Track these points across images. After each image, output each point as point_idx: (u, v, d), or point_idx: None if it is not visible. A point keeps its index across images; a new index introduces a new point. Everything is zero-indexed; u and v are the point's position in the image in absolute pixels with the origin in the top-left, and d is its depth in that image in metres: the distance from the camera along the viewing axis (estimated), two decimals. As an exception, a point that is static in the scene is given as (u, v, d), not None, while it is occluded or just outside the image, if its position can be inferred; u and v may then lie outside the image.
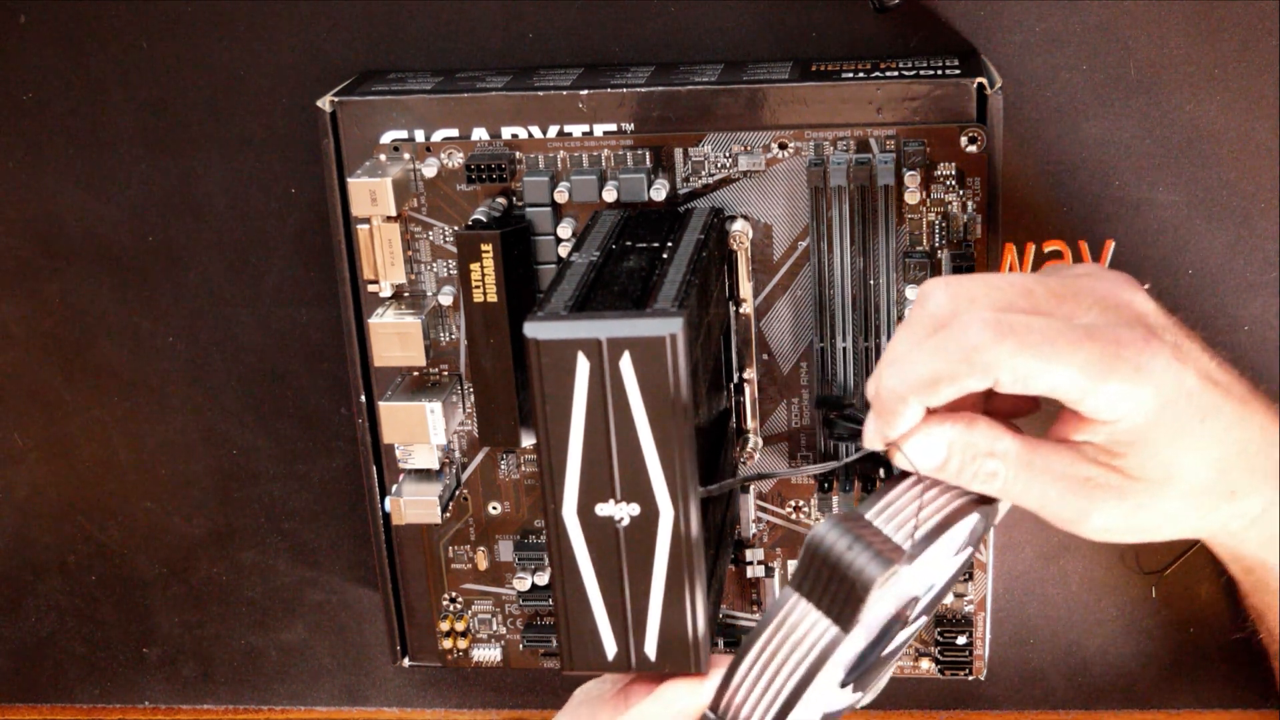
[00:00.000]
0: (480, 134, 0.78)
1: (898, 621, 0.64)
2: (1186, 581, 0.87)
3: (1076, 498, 0.61)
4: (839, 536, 0.59)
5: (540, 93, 0.77)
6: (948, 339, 0.59)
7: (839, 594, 0.58)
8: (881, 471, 0.79)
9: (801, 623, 0.60)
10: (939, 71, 0.75)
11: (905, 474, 0.62)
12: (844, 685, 0.63)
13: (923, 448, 0.61)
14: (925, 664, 0.84)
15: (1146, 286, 0.63)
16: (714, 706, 0.62)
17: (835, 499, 0.81)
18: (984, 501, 0.62)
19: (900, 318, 0.77)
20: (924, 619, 0.69)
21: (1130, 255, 0.80)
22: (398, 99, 0.78)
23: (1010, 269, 0.75)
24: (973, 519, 0.63)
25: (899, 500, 0.61)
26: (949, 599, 0.82)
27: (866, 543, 0.58)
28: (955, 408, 0.61)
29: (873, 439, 0.62)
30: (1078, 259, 0.76)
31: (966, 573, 0.81)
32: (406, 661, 0.89)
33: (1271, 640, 0.76)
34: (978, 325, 0.58)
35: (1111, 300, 0.61)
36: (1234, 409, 0.62)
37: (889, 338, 0.76)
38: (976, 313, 0.59)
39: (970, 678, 0.84)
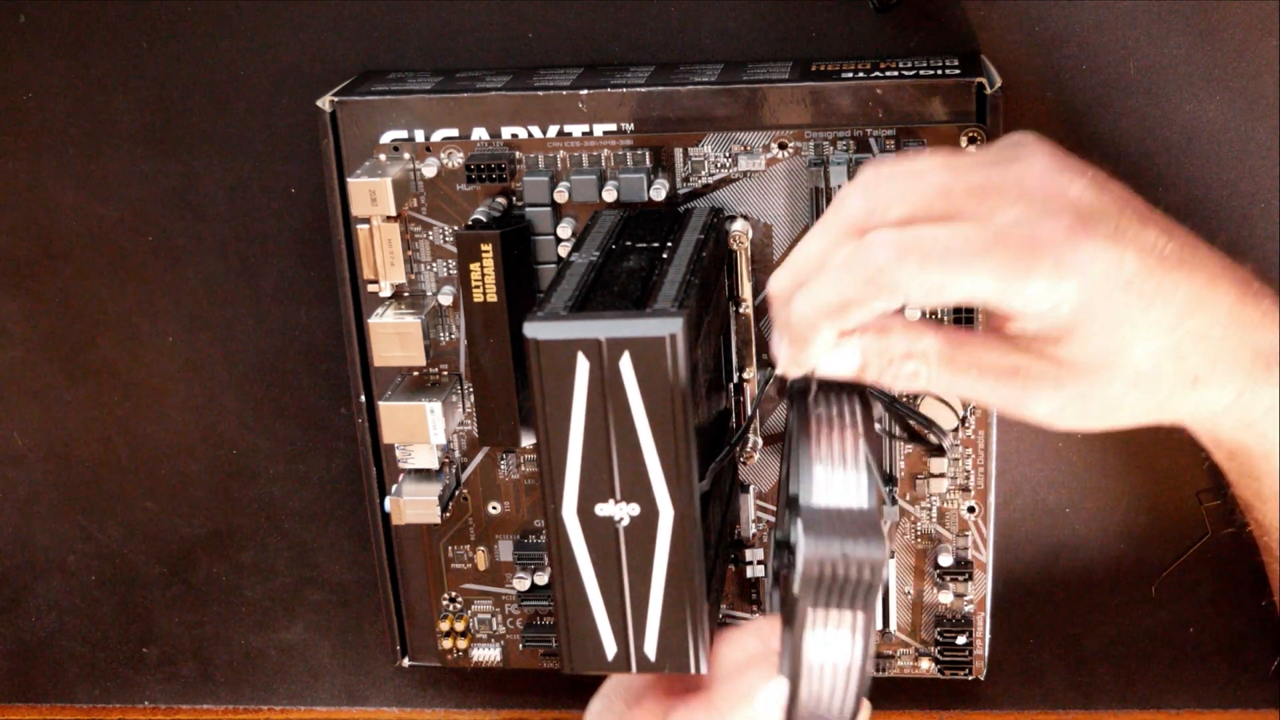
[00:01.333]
0: (480, 134, 0.78)
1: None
2: (1186, 581, 0.87)
3: (1009, 389, 0.60)
4: (825, 544, 0.57)
5: (540, 93, 0.77)
6: (853, 261, 0.58)
7: (857, 590, 0.58)
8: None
9: (831, 626, 0.59)
10: (939, 71, 0.75)
11: (796, 430, 0.61)
12: None
13: (837, 360, 0.60)
14: (925, 664, 0.84)
15: (1092, 173, 0.60)
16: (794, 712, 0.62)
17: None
18: (868, 404, 0.62)
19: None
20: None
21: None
22: (398, 99, 0.78)
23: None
24: (874, 414, 0.63)
25: (826, 466, 0.60)
26: (949, 598, 0.82)
27: (845, 533, 0.58)
28: None
29: (787, 365, 0.61)
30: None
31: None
32: (406, 661, 0.89)
33: (1261, 533, 0.74)
34: (880, 246, 0.58)
35: (1039, 191, 0.59)
36: (1192, 292, 0.59)
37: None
38: (880, 233, 0.58)
39: (970, 678, 0.84)
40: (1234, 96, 0.78)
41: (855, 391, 0.62)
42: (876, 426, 0.65)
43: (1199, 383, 0.61)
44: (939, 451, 0.74)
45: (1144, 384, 0.60)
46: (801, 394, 0.62)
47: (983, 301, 0.58)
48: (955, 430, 0.78)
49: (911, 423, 0.69)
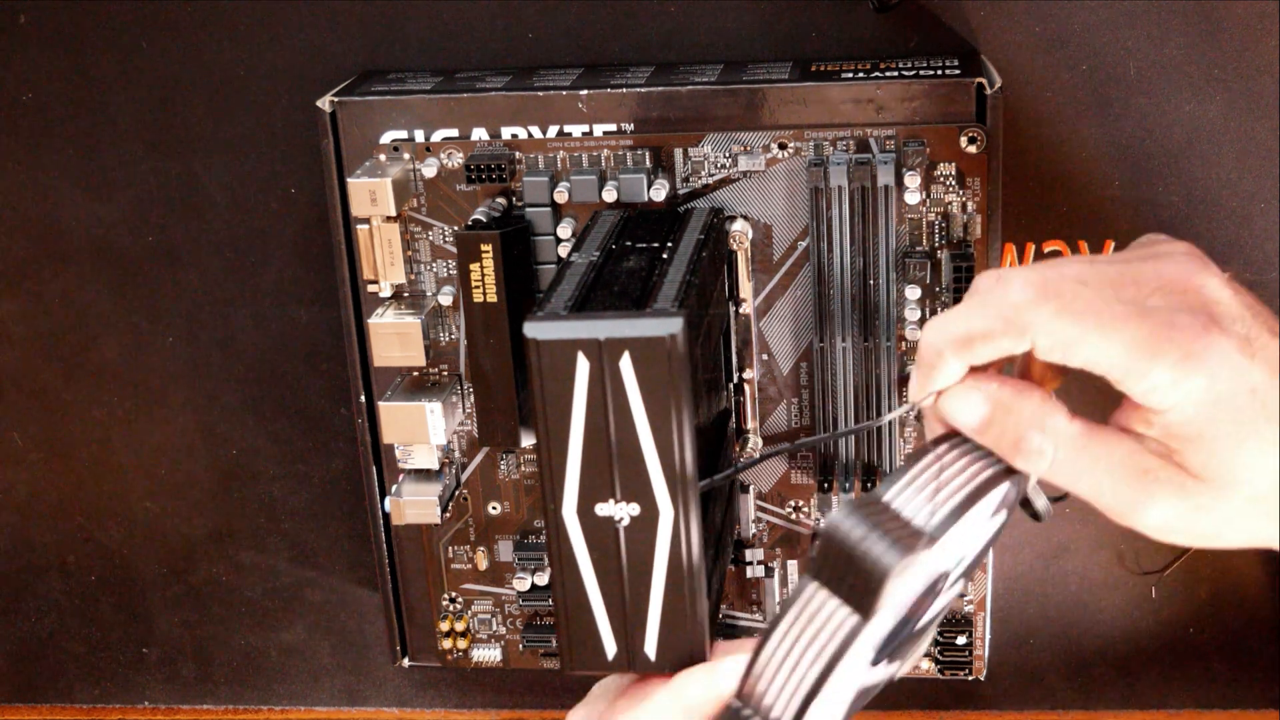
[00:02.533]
0: (480, 134, 0.78)
1: (930, 595, 0.61)
2: (1186, 581, 0.87)
3: (1132, 489, 0.57)
4: (855, 524, 0.57)
5: (540, 93, 0.77)
6: (990, 295, 0.57)
7: (856, 583, 0.57)
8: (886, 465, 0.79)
9: (821, 611, 0.58)
10: (939, 71, 0.75)
11: (925, 448, 0.60)
12: (876, 663, 0.61)
13: (965, 402, 0.59)
14: (925, 664, 0.84)
15: (1228, 275, 0.58)
16: (738, 694, 0.60)
17: (835, 499, 0.81)
18: (1013, 470, 0.59)
19: (901, 318, 0.77)
20: (962, 583, 0.66)
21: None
22: (398, 99, 0.78)
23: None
24: (1003, 488, 0.60)
25: (919, 479, 0.59)
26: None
27: (884, 530, 0.56)
28: None
29: (916, 392, 0.60)
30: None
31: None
32: (406, 661, 0.89)
33: None
34: (1020, 282, 0.56)
35: (1179, 285, 0.57)
36: None
37: (889, 338, 0.76)
38: (1025, 271, 0.57)
39: (970, 678, 0.84)
40: (1234, 96, 0.78)
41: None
42: (1000, 504, 0.62)
43: None
44: (1036, 517, 0.71)
45: (1260, 503, 0.57)
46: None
47: (1104, 372, 0.56)
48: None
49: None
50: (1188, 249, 0.59)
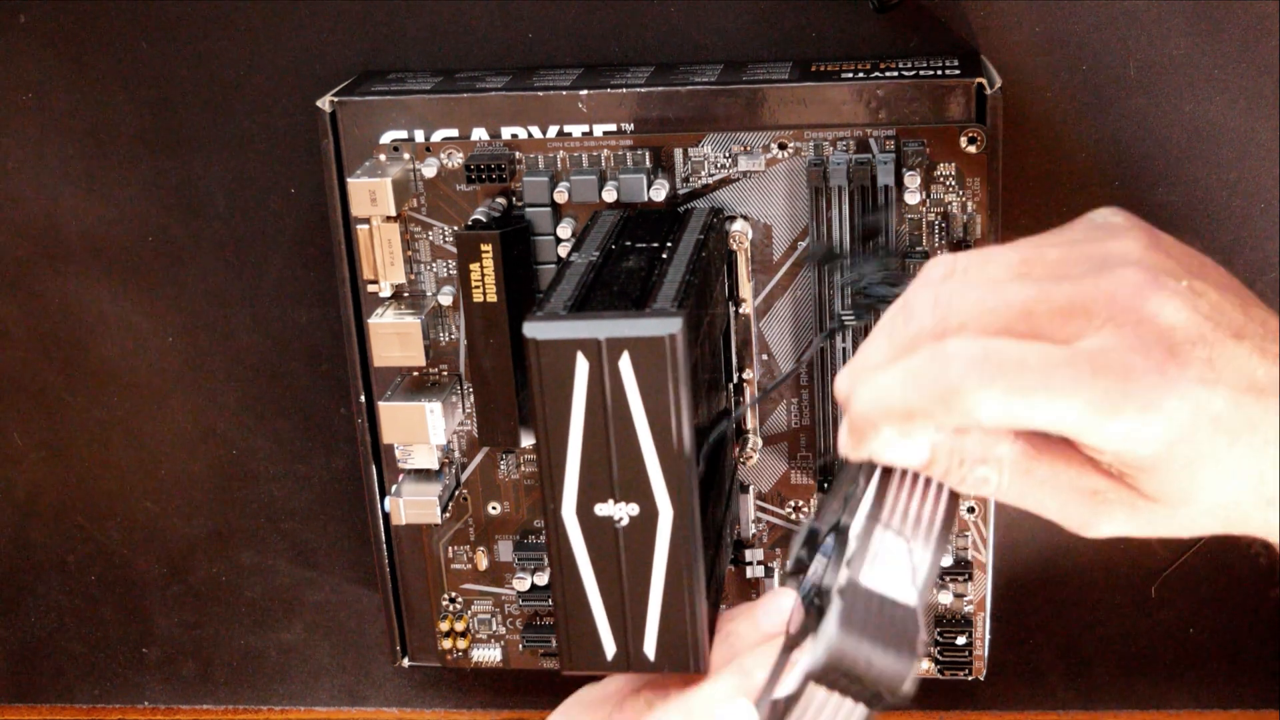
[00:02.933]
0: (480, 134, 0.78)
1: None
2: (1186, 581, 0.87)
3: (1081, 509, 0.57)
4: (855, 644, 0.55)
5: (540, 93, 0.77)
6: (927, 371, 0.54)
7: (865, 691, 0.55)
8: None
9: (826, 709, 0.57)
10: (939, 71, 0.75)
11: (875, 499, 0.58)
12: None
13: (906, 451, 0.56)
14: (925, 664, 0.84)
15: (1185, 284, 0.55)
16: None
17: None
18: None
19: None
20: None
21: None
22: (398, 99, 0.78)
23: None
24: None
25: (886, 546, 0.57)
26: (949, 599, 0.82)
27: (883, 638, 0.55)
28: None
29: (847, 451, 0.58)
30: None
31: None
32: (406, 662, 0.89)
33: None
34: (959, 361, 0.53)
35: (1131, 314, 0.54)
36: (1276, 420, 0.54)
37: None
38: (961, 343, 0.54)
39: (970, 678, 0.84)
40: (1234, 96, 0.78)
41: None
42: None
43: (1274, 503, 0.56)
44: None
45: (1219, 511, 0.56)
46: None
47: (1060, 433, 0.54)
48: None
49: None
50: (1141, 249, 0.56)
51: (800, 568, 0.61)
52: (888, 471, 0.58)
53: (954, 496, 0.58)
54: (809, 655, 0.56)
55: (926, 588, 0.56)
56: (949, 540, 0.60)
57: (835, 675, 0.55)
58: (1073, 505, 0.57)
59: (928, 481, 0.58)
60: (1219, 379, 0.53)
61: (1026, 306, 0.54)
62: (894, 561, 0.56)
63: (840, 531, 0.58)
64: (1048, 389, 0.53)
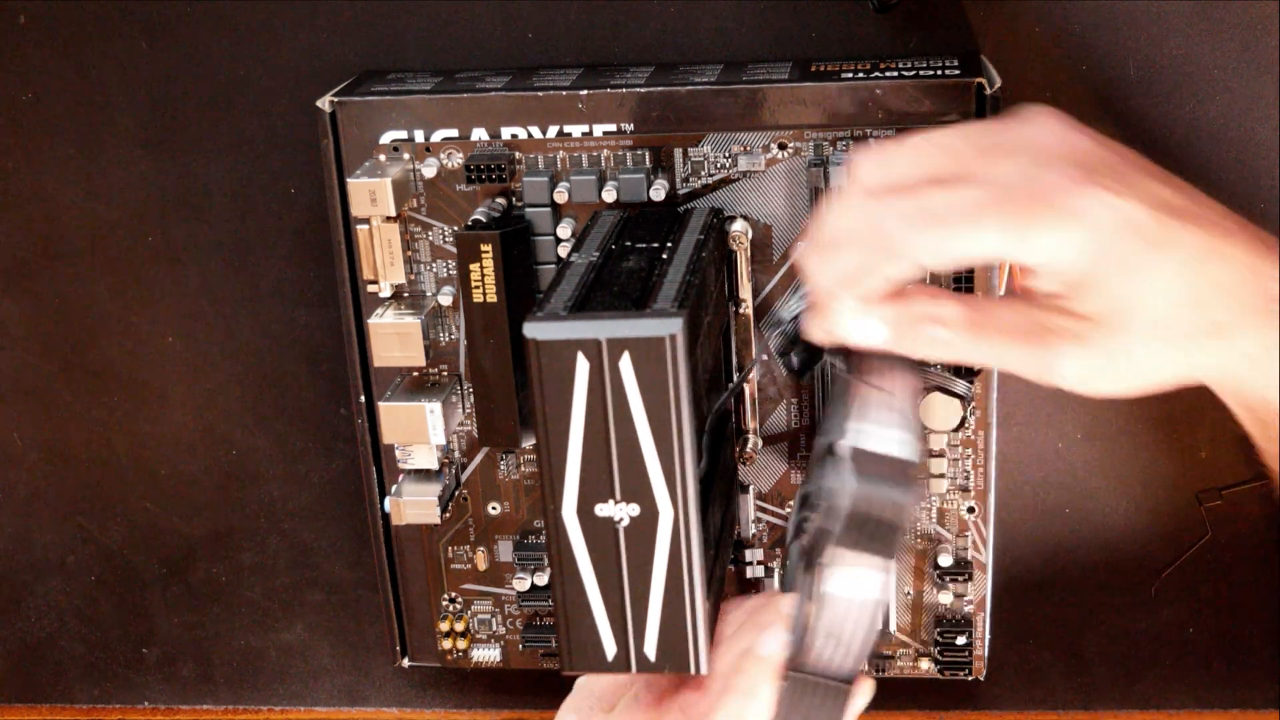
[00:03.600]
0: (480, 134, 0.78)
1: None
2: (1186, 581, 0.87)
3: (1035, 349, 0.61)
4: (872, 489, 0.60)
5: (540, 93, 0.77)
6: (865, 231, 0.60)
7: (882, 532, 0.60)
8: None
9: (856, 569, 0.62)
10: (939, 71, 0.75)
11: (848, 390, 0.63)
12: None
13: (865, 330, 0.62)
14: (925, 664, 0.84)
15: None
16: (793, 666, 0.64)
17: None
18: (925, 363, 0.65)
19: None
20: None
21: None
22: (398, 99, 0.78)
23: (1001, 268, 0.75)
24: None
25: (876, 423, 0.62)
26: (949, 599, 0.82)
27: (889, 481, 0.60)
28: None
29: (818, 334, 0.63)
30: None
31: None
32: (406, 662, 0.89)
33: None
34: (889, 215, 0.59)
35: (1043, 147, 0.60)
36: (1203, 241, 0.60)
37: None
38: (889, 201, 0.60)
39: (969, 678, 0.84)
40: (1234, 96, 0.78)
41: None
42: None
43: (1222, 331, 0.60)
44: (965, 401, 0.77)
45: (1165, 333, 0.60)
46: (848, 354, 0.63)
47: (995, 258, 0.59)
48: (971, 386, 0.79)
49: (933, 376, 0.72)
50: (1057, 114, 0.62)
51: (799, 528, 0.67)
52: (859, 375, 0.63)
53: (918, 379, 0.63)
54: (829, 519, 0.61)
55: (918, 453, 0.62)
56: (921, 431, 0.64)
57: (855, 522, 0.60)
58: (1026, 348, 0.61)
59: (894, 373, 0.63)
60: (1132, 194, 0.59)
61: (954, 150, 0.60)
62: (885, 435, 0.62)
63: (830, 451, 0.63)
64: (972, 219, 0.58)
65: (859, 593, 0.62)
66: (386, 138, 0.78)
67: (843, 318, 0.62)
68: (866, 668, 0.66)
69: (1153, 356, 0.60)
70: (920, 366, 0.67)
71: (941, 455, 0.80)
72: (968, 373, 0.78)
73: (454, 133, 0.78)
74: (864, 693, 0.66)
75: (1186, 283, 0.59)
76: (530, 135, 0.77)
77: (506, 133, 0.77)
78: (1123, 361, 0.60)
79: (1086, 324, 0.60)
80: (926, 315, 0.61)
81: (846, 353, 0.63)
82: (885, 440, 0.62)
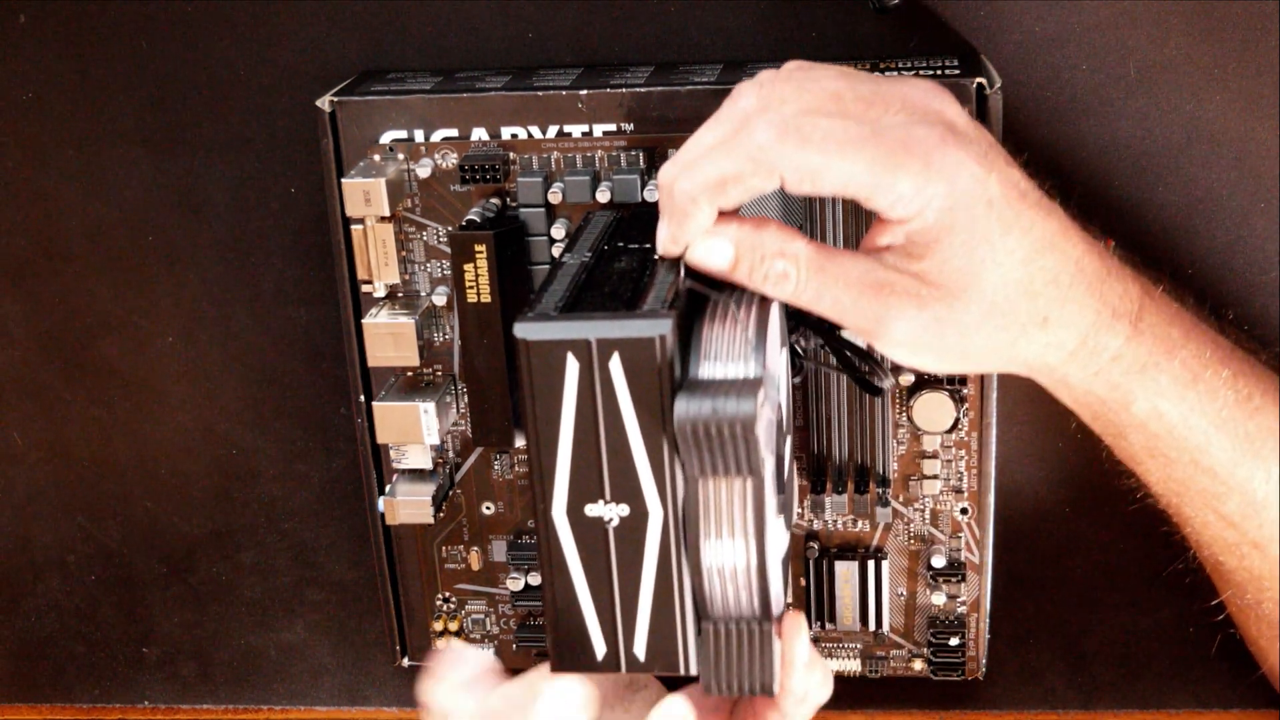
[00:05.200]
0: (479, 134, 0.78)
1: (780, 432, 0.66)
2: (1186, 582, 0.87)
3: (872, 303, 0.62)
4: (698, 405, 0.59)
5: (539, 93, 0.77)
6: (735, 140, 0.61)
7: (732, 449, 0.59)
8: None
9: (723, 495, 0.60)
10: (939, 71, 0.75)
11: (699, 323, 0.63)
12: (779, 515, 0.65)
13: (712, 248, 0.63)
14: (918, 665, 0.84)
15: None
16: (703, 614, 0.63)
17: (828, 500, 0.81)
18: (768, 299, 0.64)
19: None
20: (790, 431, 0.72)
21: (1131, 255, 0.80)
22: (397, 99, 0.78)
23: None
24: (777, 318, 0.65)
25: (712, 345, 0.62)
26: (942, 600, 0.82)
27: (724, 394, 0.59)
28: None
29: (666, 243, 0.64)
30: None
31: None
32: (406, 661, 0.89)
33: (1154, 497, 0.75)
34: (764, 125, 0.60)
35: (920, 105, 0.62)
36: (1047, 231, 0.63)
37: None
38: (766, 114, 0.61)
39: (963, 679, 0.84)
40: (1234, 96, 0.78)
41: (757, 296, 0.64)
42: (780, 338, 0.67)
43: (1047, 324, 0.63)
44: (877, 392, 0.76)
45: (997, 316, 0.62)
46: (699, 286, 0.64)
47: (854, 194, 0.60)
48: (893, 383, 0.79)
49: (849, 354, 0.71)
50: (936, 83, 0.65)
51: None
52: (703, 310, 0.63)
53: (763, 309, 0.63)
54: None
55: (760, 372, 0.61)
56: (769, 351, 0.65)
57: (697, 447, 0.59)
58: (864, 300, 0.63)
59: (740, 305, 0.63)
60: (993, 168, 0.62)
61: (836, 91, 0.62)
62: (724, 362, 0.62)
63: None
64: (843, 149, 0.60)
65: (727, 528, 0.61)
66: (386, 137, 0.78)
67: (695, 226, 0.63)
68: (790, 601, 0.64)
69: (982, 336, 0.63)
70: (829, 330, 0.68)
71: (935, 457, 0.80)
72: (894, 369, 0.77)
73: (454, 132, 0.78)
74: (795, 627, 0.64)
75: (1024, 269, 0.62)
76: (530, 135, 0.77)
77: (506, 133, 0.77)
78: (952, 335, 0.63)
79: (926, 287, 0.62)
80: (776, 247, 0.63)
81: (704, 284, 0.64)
82: (725, 367, 0.61)
